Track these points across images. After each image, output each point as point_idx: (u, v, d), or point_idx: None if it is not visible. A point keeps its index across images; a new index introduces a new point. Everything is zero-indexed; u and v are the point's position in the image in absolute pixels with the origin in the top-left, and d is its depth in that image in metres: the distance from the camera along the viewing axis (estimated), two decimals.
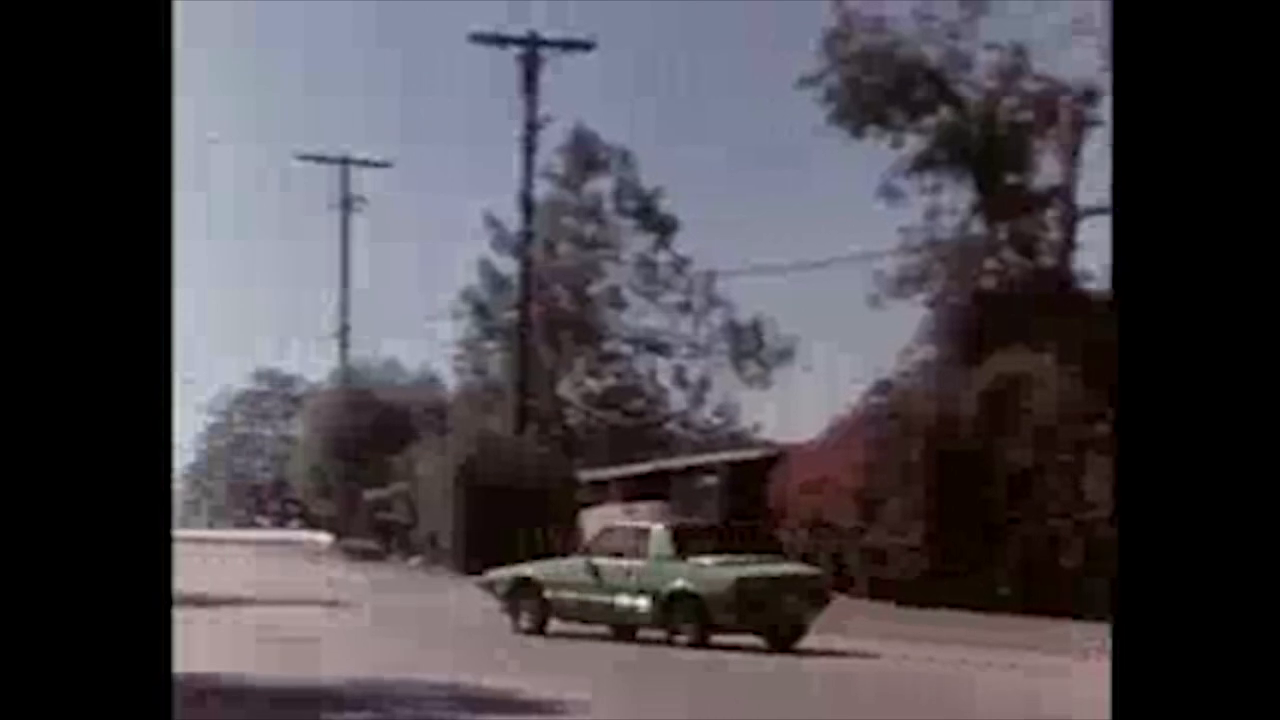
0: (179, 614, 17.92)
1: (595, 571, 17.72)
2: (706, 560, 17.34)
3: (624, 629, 17.69)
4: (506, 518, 32.55)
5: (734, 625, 17.00)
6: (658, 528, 18.16)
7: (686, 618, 16.95)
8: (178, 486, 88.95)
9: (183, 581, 27.41)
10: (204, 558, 41.28)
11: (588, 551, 18.60)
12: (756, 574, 17.34)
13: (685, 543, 17.76)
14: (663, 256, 44.48)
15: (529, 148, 37.88)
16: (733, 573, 17.11)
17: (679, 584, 17.10)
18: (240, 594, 24.22)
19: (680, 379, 44.31)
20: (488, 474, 33.50)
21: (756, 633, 17.09)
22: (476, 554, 32.81)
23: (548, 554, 32.35)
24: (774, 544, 23.25)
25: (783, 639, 17.02)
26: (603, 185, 44.42)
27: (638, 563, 17.47)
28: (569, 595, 18.00)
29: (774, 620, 17.11)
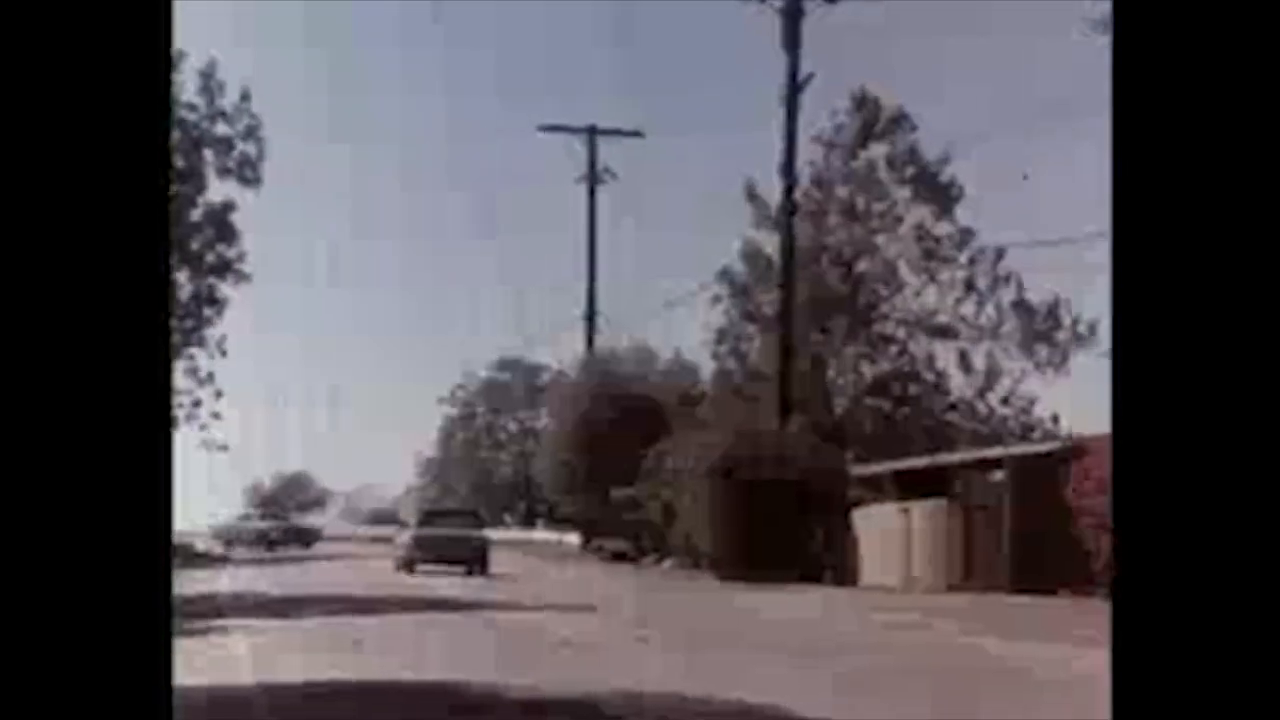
0: (436, 617, 18.11)
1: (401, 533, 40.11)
2: (412, 525, 38.43)
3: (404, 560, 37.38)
4: (769, 517, 32.67)
5: (419, 559, 35.93)
6: (414, 508, 46.83)
7: (401, 553, 37.37)
8: (418, 482, 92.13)
9: (432, 585, 28.41)
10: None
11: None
12: (426, 534, 36.81)
13: (430, 518, 39.33)
14: (944, 229, 43.78)
15: (791, 110, 37.83)
16: (414, 532, 37.31)
17: (403, 538, 38.16)
18: (495, 598, 24.87)
19: (964, 364, 43.54)
20: (748, 469, 33.67)
21: (437, 561, 35.78)
22: (735, 557, 32.97)
23: (813, 556, 32.78)
24: (478, 521, 40.69)
25: (450, 564, 35.69)
26: (877, 152, 44.04)
27: (405, 526, 40.24)
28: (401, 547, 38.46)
29: (436, 556, 35.95)
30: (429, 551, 36.17)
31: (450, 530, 37.32)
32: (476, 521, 39.96)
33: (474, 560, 35.83)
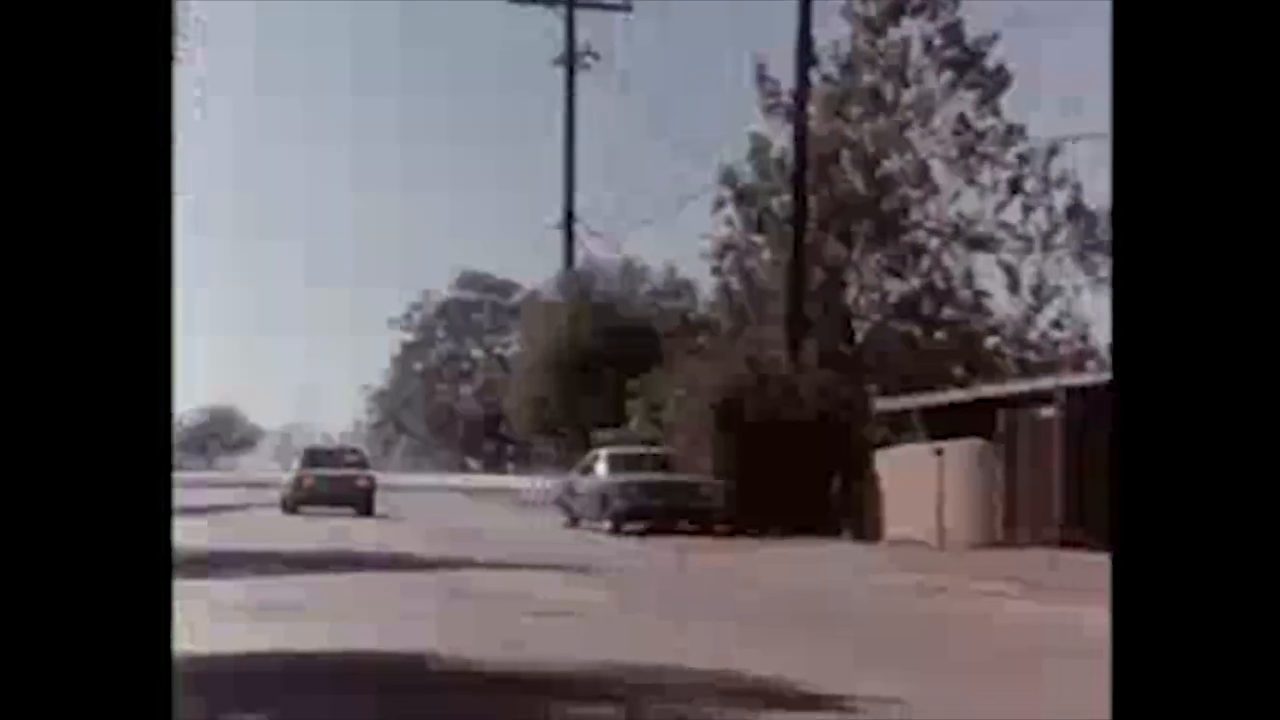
0: (395, 577, 18.00)
1: (582, 481, 36.77)
2: (602, 473, 35.22)
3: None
4: (777, 460, 32.87)
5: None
6: (602, 453, 36.62)
7: (602, 506, 34.14)
8: (366, 419, 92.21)
9: (379, 536, 28.35)
10: (406, 507, 42.80)
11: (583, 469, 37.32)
12: (634, 479, 33.78)
13: (616, 464, 35.32)
14: (988, 122, 43.73)
15: None
16: (619, 479, 34.08)
17: (598, 488, 35.13)
18: (462, 554, 25.09)
19: (1009, 280, 43.65)
20: (754, 404, 33.88)
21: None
22: (743, 507, 33.03)
23: (829, 506, 32.94)
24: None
25: (658, 522, 32.82)
26: (911, 29, 43.75)
27: (595, 475, 35.66)
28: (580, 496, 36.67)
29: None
30: (312, 493, 40.79)
31: (335, 470, 41.99)
32: (361, 461, 45.02)
33: (359, 501, 40.65)
